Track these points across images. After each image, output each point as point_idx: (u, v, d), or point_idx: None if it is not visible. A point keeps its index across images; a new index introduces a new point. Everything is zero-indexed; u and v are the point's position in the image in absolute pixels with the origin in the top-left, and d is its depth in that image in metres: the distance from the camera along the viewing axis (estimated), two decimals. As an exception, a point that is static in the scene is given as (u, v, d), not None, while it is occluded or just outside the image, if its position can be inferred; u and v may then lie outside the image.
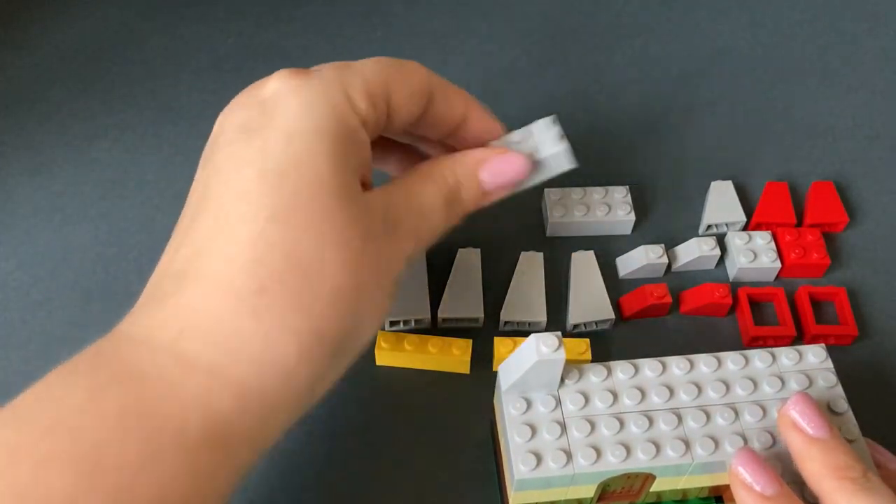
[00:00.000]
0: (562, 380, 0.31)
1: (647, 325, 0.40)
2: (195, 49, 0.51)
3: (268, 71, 0.30)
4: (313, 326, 0.26)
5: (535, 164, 0.34)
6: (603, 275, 0.41)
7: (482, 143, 0.34)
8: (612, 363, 0.31)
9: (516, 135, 0.35)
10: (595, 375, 0.31)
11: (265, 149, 0.27)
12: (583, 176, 0.45)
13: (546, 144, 0.34)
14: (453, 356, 0.37)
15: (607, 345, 0.39)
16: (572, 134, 0.48)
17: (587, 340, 0.38)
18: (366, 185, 0.30)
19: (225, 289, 0.26)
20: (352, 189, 0.28)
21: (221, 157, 0.28)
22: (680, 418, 0.30)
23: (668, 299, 0.39)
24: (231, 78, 0.49)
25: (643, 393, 0.31)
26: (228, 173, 0.28)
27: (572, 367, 0.31)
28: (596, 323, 0.39)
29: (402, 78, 0.31)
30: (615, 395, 0.30)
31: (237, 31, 0.52)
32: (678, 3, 0.54)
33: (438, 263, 0.40)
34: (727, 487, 0.32)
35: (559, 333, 0.29)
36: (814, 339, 0.39)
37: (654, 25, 0.53)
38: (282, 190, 0.27)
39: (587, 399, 0.30)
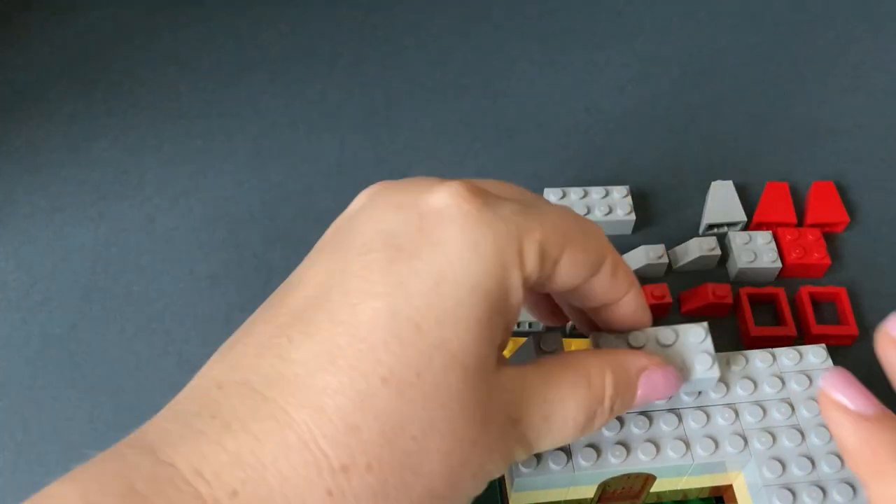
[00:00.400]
0: None
1: (647, 326, 0.40)
2: (195, 49, 0.51)
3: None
4: None
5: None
6: (603, 275, 0.40)
7: (625, 329, 0.30)
8: None
9: (663, 334, 0.29)
10: None
11: (407, 285, 0.23)
12: (583, 176, 0.45)
13: (698, 362, 0.29)
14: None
15: (607, 345, 0.39)
16: (573, 134, 0.48)
17: (588, 340, 0.37)
18: (500, 353, 0.25)
19: (305, 452, 0.21)
20: (487, 366, 0.23)
21: (356, 263, 0.23)
22: (680, 418, 0.30)
23: (669, 299, 0.39)
24: (231, 78, 0.49)
25: None
26: (357, 294, 0.23)
27: None
28: (596, 323, 0.39)
29: (581, 241, 0.26)
30: None
31: (237, 31, 0.52)
32: (678, 3, 0.54)
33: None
34: (728, 487, 0.31)
35: (559, 334, 0.29)
36: (814, 340, 0.39)
37: (654, 25, 0.53)
38: (410, 347, 0.22)
39: None
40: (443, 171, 0.45)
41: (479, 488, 0.24)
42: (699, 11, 0.54)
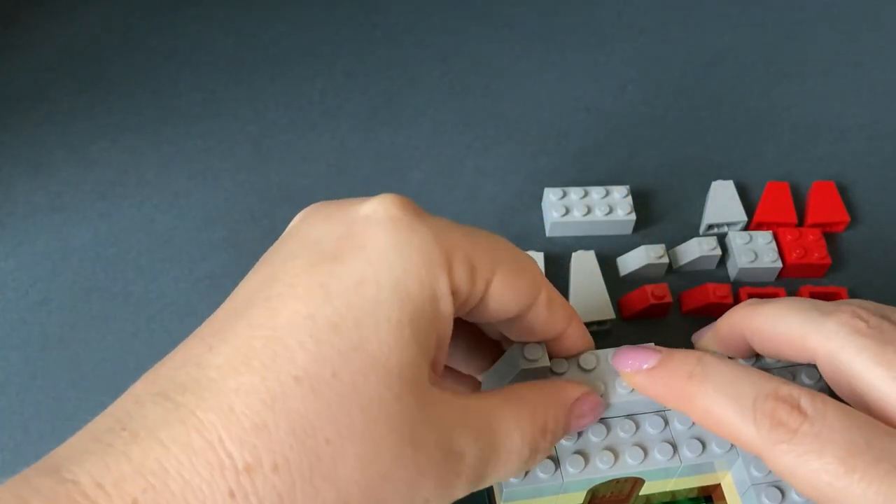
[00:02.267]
0: None
1: (647, 326, 0.40)
2: (195, 49, 0.51)
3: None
4: None
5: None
6: (603, 275, 0.40)
7: (567, 356, 0.30)
8: None
9: (586, 360, 0.30)
10: None
11: (327, 287, 0.22)
12: (583, 176, 0.45)
13: (617, 387, 0.30)
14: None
15: (607, 345, 0.39)
16: (573, 134, 0.48)
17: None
18: (435, 374, 0.24)
19: (209, 454, 0.20)
20: (416, 376, 0.22)
21: (281, 270, 0.23)
22: (666, 421, 0.30)
23: (669, 299, 0.39)
24: (231, 77, 0.49)
25: None
26: (277, 299, 0.22)
27: None
28: (596, 323, 0.39)
29: (514, 265, 0.26)
30: None
31: (237, 30, 0.52)
32: (678, 3, 0.54)
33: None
34: (716, 487, 0.32)
35: (543, 344, 0.29)
36: (814, 340, 0.39)
37: (654, 25, 0.53)
38: (326, 346, 0.21)
39: None
40: (443, 171, 0.45)
41: None
42: (699, 11, 0.54)
